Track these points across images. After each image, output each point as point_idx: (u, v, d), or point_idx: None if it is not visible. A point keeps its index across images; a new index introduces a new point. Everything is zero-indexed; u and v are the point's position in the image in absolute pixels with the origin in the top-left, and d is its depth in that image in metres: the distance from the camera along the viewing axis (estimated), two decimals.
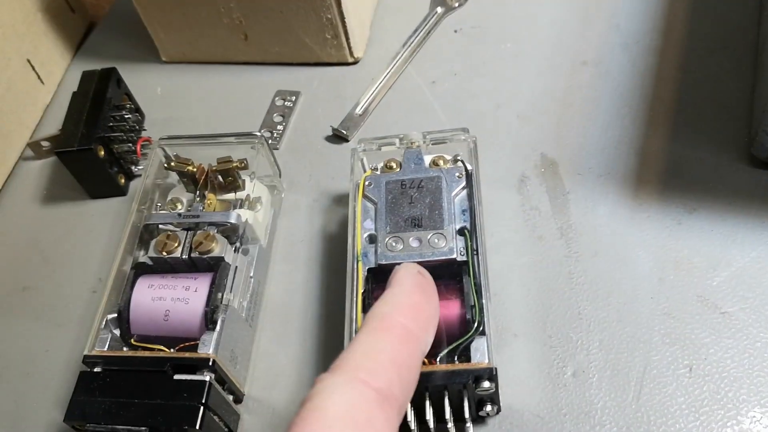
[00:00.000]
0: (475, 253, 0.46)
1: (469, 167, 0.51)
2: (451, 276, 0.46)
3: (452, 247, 0.46)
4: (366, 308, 0.44)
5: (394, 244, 0.46)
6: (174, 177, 0.58)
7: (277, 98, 0.69)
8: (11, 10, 0.68)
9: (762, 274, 0.49)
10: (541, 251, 0.53)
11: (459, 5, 0.73)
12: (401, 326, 0.36)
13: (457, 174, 0.50)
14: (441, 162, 0.52)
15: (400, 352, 0.35)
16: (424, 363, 0.42)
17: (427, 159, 0.52)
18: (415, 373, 0.36)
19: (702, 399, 0.44)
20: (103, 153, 0.60)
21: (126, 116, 0.65)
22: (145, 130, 0.68)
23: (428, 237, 0.46)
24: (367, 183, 0.51)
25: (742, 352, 0.46)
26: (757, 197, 0.53)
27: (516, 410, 0.46)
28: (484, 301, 0.44)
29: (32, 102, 0.72)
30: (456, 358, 0.42)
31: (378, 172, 0.52)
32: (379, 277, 0.46)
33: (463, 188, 0.49)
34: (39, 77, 0.72)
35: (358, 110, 0.65)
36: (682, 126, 0.58)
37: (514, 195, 0.57)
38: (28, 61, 0.71)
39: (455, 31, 0.71)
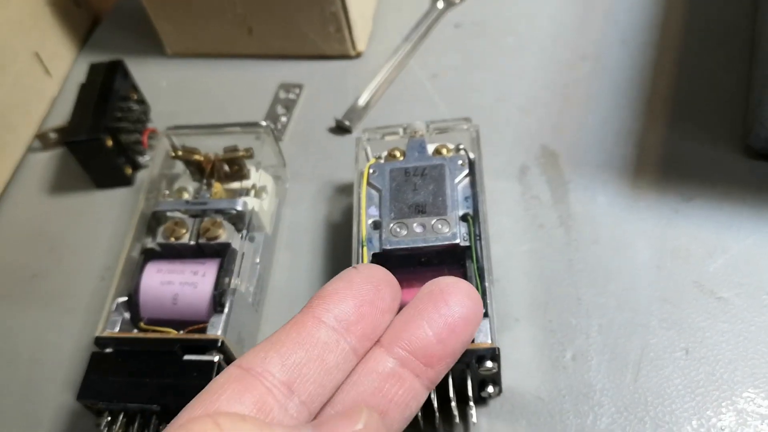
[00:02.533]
0: (477, 238, 0.47)
1: (471, 156, 0.52)
2: (454, 261, 0.47)
3: (455, 233, 0.47)
4: None
5: (398, 229, 0.47)
6: (179, 168, 0.59)
7: (280, 91, 0.70)
8: (19, 4, 0.69)
9: (756, 261, 0.50)
10: (541, 239, 0.54)
11: (460, 1, 0.74)
12: None
13: (459, 162, 0.51)
14: (444, 151, 0.53)
15: None
16: None
17: (430, 148, 0.53)
18: None
19: (698, 380, 0.46)
20: (110, 143, 0.61)
21: (133, 108, 0.66)
22: (151, 121, 0.69)
23: (432, 223, 0.47)
24: (371, 171, 0.52)
25: (737, 336, 0.47)
26: (752, 187, 0.54)
27: (517, 392, 0.47)
28: (486, 284, 0.45)
29: (40, 94, 0.73)
30: None
31: (382, 161, 0.53)
32: (384, 263, 0.47)
33: (466, 176, 0.50)
34: (46, 70, 0.73)
35: (361, 103, 0.66)
36: (680, 118, 0.59)
37: (515, 185, 0.58)
38: (36, 54, 0.71)
39: (456, 26, 0.73)
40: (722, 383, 0.45)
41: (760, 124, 0.52)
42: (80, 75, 0.67)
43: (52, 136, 0.69)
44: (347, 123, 0.65)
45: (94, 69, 0.66)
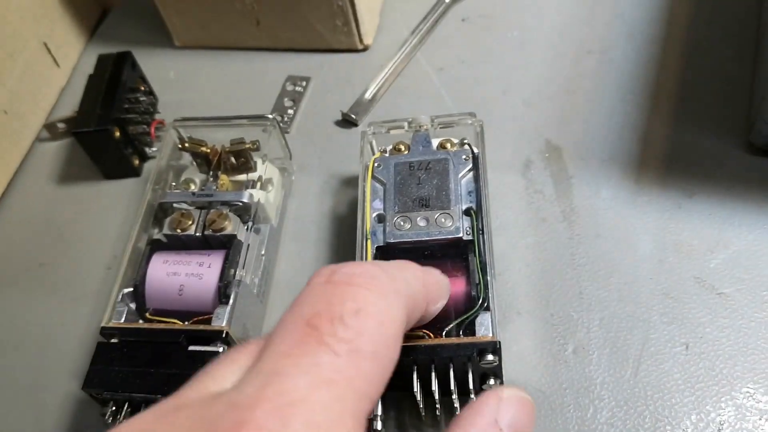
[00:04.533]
0: (480, 232, 0.47)
1: (475, 150, 0.52)
2: (457, 254, 0.47)
3: (458, 227, 0.47)
4: None
5: (402, 223, 0.48)
6: (186, 159, 0.59)
7: (287, 83, 0.70)
8: None
9: (758, 257, 0.51)
10: (544, 233, 0.55)
11: None
12: None
13: (463, 156, 0.51)
14: (448, 145, 0.53)
15: None
16: (430, 336, 0.44)
17: (435, 142, 0.54)
18: None
19: (698, 375, 0.46)
20: (118, 134, 0.62)
21: (141, 99, 0.66)
22: (158, 113, 0.69)
23: (435, 216, 0.48)
24: (376, 164, 0.52)
25: (737, 331, 0.47)
26: (754, 183, 0.54)
27: (518, 384, 0.47)
28: (488, 278, 0.45)
29: (48, 84, 0.73)
30: (461, 333, 0.44)
31: (387, 155, 0.53)
32: (387, 255, 0.48)
33: (470, 170, 0.51)
34: (55, 60, 0.74)
35: (367, 96, 0.67)
36: (684, 113, 0.60)
37: (519, 179, 0.58)
38: (45, 44, 0.72)
39: (463, 20, 0.73)
40: (722, 378, 0.46)
41: (763, 121, 0.53)
42: (88, 65, 0.67)
43: (60, 126, 0.70)
44: (353, 116, 0.65)
45: (102, 60, 0.66)
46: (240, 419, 0.24)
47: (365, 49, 0.72)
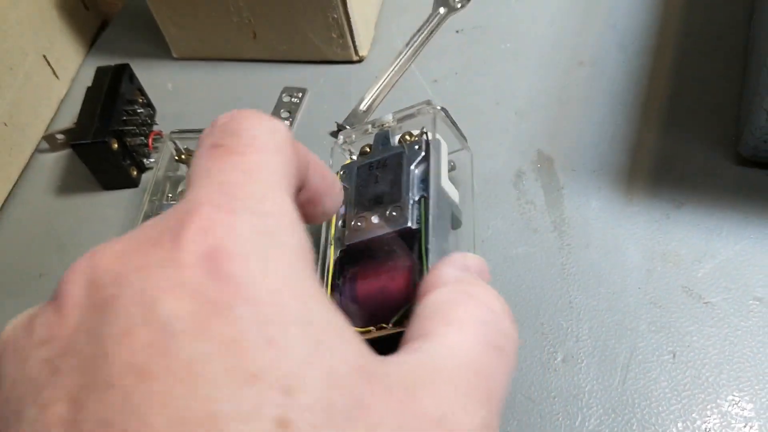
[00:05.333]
0: (426, 219, 0.46)
1: (430, 136, 0.52)
2: (410, 246, 0.46)
3: (407, 217, 0.47)
4: (334, 288, 0.46)
5: (359, 224, 0.47)
6: (183, 170, 0.60)
7: (284, 95, 0.71)
8: (28, 6, 0.71)
9: (744, 267, 0.51)
10: (535, 243, 0.56)
11: (461, 6, 0.75)
12: None
13: (416, 147, 0.51)
14: (407, 137, 0.53)
15: None
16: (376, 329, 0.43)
17: (398, 138, 0.53)
18: None
19: (684, 383, 0.47)
20: (116, 146, 0.63)
21: (138, 111, 0.67)
22: (156, 124, 0.70)
23: (387, 211, 0.48)
24: (341, 172, 0.52)
25: (723, 340, 0.48)
26: (741, 193, 0.55)
27: (508, 393, 0.48)
28: (430, 266, 0.44)
29: (47, 96, 0.74)
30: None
31: (356, 159, 0.54)
32: (350, 258, 0.47)
33: (423, 159, 0.50)
34: (54, 72, 0.75)
35: (362, 107, 0.68)
36: (673, 124, 0.60)
37: (510, 189, 0.59)
38: (44, 56, 0.73)
39: (457, 32, 0.74)
40: (708, 386, 0.46)
41: (750, 132, 0.53)
42: (87, 77, 0.68)
43: (59, 137, 0.71)
44: (348, 127, 0.66)
45: (100, 72, 0.67)
46: (189, 208, 0.26)
47: (360, 60, 0.73)
